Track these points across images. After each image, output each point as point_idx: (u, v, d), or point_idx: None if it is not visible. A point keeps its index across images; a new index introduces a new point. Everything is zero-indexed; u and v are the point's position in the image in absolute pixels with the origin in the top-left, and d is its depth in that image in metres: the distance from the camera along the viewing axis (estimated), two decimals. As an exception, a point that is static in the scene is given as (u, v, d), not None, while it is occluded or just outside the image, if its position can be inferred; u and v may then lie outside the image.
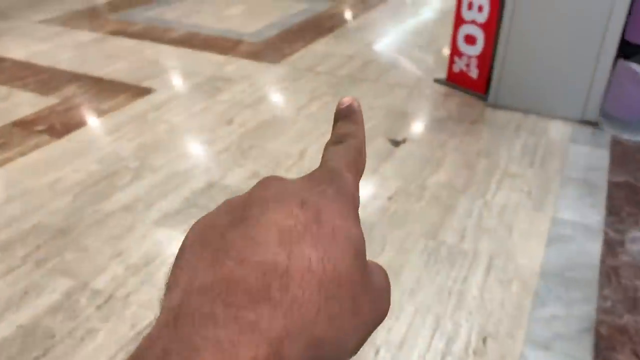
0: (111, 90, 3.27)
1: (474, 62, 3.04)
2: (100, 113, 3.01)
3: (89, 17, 4.75)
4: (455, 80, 3.22)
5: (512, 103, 2.96)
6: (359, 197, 0.28)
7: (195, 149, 2.72)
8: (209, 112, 3.02)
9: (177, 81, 3.49)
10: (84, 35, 4.24)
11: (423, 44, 4.06)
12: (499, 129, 2.85)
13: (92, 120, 2.96)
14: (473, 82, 3.10)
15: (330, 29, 4.41)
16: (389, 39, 4.29)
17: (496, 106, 3.01)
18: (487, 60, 2.96)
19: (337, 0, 5.20)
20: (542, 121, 2.89)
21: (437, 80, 3.34)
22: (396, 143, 2.70)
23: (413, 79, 3.41)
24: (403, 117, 2.99)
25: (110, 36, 4.22)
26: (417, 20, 4.76)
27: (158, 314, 0.21)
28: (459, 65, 3.14)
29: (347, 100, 0.32)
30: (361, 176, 0.29)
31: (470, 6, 2.90)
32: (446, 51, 3.53)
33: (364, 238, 0.25)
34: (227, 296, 0.20)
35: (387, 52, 3.98)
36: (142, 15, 4.69)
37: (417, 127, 2.95)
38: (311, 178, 0.27)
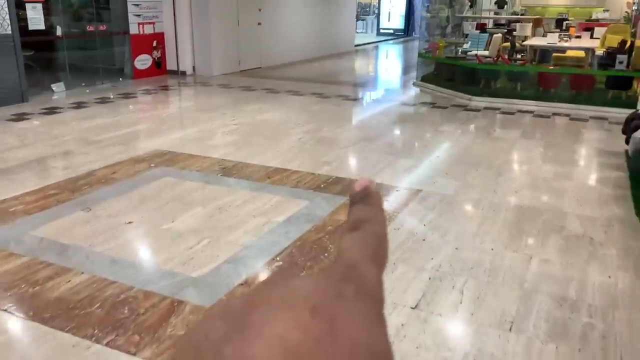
0: None
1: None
2: None
3: None
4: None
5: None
6: (383, 295, 0.23)
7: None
8: None
9: None
10: None
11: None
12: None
13: None
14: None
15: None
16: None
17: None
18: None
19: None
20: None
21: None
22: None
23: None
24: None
25: None
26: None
27: None
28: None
29: (363, 182, 0.28)
30: (384, 268, 0.26)
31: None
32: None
33: (391, 351, 0.20)
34: None
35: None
36: None
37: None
38: (324, 275, 0.23)
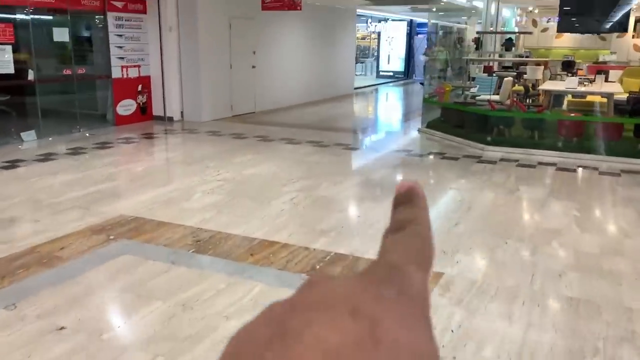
0: None
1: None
2: None
3: None
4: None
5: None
6: (429, 298, 0.23)
7: None
8: None
9: None
10: None
11: None
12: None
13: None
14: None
15: None
16: None
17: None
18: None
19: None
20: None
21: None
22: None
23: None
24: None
25: None
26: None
27: None
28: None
29: (407, 183, 0.28)
30: (430, 271, 0.25)
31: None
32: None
33: (438, 354, 0.20)
34: None
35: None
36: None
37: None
38: (366, 276, 0.22)
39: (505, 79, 9.34)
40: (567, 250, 4.04)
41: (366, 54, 25.44)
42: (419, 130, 9.11)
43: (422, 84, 17.61)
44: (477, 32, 12.04)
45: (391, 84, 19.98)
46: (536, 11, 19.28)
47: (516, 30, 16.32)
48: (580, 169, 6.55)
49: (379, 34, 22.04)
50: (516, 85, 9.68)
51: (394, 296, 0.21)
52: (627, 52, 17.43)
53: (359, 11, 16.74)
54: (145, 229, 4.24)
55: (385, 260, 0.23)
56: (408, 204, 0.27)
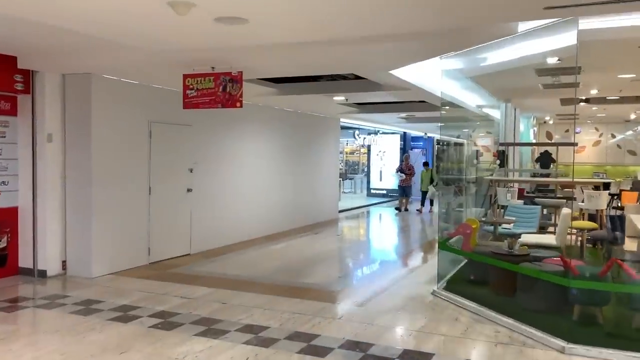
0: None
1: None
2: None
3: None
4: None
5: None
6: None
7: None
8: None
9: None
10: None
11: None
12: None
13: None
14: None
15: None
16: None
17: None
18: None
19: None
20: None
21: None
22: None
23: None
24: None
25: None
26: None
27: None
28: None
29: None
30: None
31: None
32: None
33: None
34: None
35: None
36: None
37: None
38: None
39: (563, 211, 6.02)
40: None
41: (355, 169, 22.68)
42: (434, 293, 5.61)
43: (397, 209, 14.38)
44: (501, 144, 9.00)
45: (385, 204, 16.80)
46: (551, 122, 16.70)
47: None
48: None
49: (368, 147, 19.32)
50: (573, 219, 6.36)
51: None
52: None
53: (346, 122, 13.96)
54: None
55: None
56: None
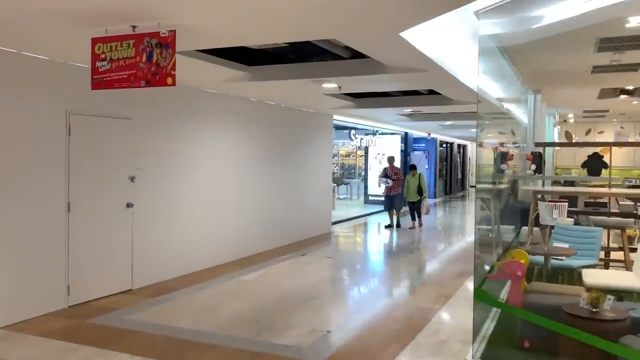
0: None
1: None
2: None
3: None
4: None
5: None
6: None
7: None
8: None
9: None
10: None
11: None
12: None
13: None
14: None
15: None
16: None
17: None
18: None
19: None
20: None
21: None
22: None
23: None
24: None
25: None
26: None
27: None
28: None
29: None
30: None
31: None
32: None
33: None
34: None
35: None
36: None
37: None
38: None
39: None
40: None
41: (351, 173, 20.77)
42: (467, 366, 3.72)
43: (388, 226, 11.56)
44: (536, 144, 7.10)
45: (385, 213, 14.89)
46: (572, 120, 14.83)
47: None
48: None
49: (366, 149, 17.42)
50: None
51: None
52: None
53: (340, 120, 12.06)
54: None
55: None
56: None
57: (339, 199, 17.41)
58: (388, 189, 11.65)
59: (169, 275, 6.42)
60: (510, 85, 7.21)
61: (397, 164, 15.09)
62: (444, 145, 22.38)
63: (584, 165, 7.04)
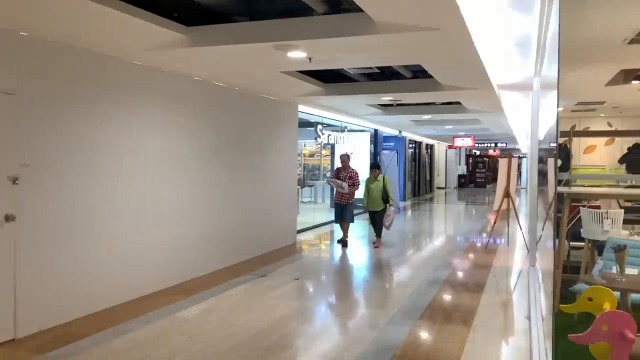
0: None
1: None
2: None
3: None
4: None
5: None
6: None
7: None
8: None
9: None
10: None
11: None
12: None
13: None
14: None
15: None
16: None
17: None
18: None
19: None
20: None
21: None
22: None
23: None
24: None
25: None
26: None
27: None
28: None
29: None
30: None
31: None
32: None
33: None
34: None
35: None
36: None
37: None
38: None
39: None
40: None
41: (316, 174, 19.14)
42: None
43: (341, 242, 8.91)
44: (563, 133, 5.67)
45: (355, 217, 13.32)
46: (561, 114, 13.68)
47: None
48: None
49: (332, 147, 15.85)
50: None
51: None
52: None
53: (305, 113, 10.44)
54: None
55: None
56: None
57: (303, 202, 15.80)
58: (339, 194, 9.03)
59: (73, 315, 4.62)
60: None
61: (366, 164, 13.53)
62: (412, 145, 21.07)
63: (621, 160, 5.65)
